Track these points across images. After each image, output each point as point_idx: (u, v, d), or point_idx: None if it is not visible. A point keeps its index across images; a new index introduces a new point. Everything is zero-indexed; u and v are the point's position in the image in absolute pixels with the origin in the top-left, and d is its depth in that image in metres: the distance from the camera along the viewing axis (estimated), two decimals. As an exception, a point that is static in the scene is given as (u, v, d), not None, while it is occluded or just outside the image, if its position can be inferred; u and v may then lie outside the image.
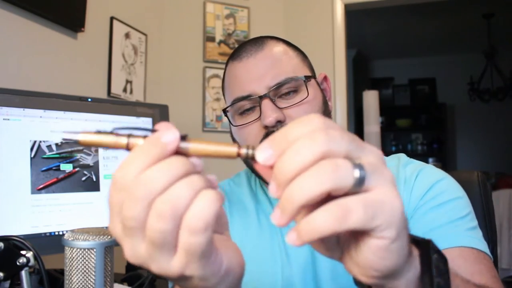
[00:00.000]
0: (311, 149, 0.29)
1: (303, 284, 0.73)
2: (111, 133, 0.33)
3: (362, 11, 3.46)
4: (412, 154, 0.87)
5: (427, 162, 0.80)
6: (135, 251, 0.33)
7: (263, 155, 0.31)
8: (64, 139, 0.32)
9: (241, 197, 0.84)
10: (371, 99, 2.74)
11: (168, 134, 0.32)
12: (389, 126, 5.55)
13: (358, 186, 0.30)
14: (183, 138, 0.33)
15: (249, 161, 0.75)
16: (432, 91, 5.66)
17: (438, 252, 0.36)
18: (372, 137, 2.67)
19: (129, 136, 0.33)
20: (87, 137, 0.32)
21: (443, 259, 0.36)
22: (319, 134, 0.30)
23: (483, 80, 4.65)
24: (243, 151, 0.33)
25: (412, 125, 5.65)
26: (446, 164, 5.35)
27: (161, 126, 0.32)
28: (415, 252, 0.36)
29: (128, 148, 0.33)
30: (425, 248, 0.36)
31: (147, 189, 0.30)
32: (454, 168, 5.42)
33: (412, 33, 4.80)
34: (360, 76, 5.18)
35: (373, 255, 0.32)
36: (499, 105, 5.01)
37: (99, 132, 0.33)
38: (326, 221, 0.29)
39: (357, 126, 4.69)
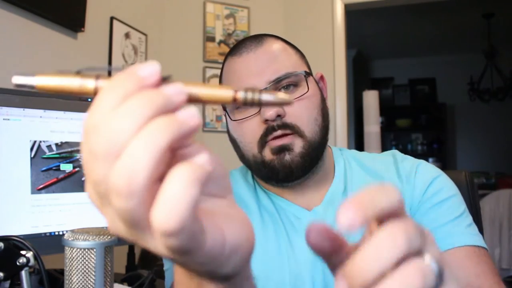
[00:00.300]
0: (393, 252, 0.25)
1: (311, 279, 0.73)
2: (77, 73, 0.26)
3: (362, 11, 3.45)
4: (412, 154, 0.88)
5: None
6: (114, 224, 0.26)
7: (344, 218, 0.24)
8: (17, 85, 0.26)
9: (240, 195, 0.82)
10: (371, 99, 2.74)
11: (145, 67, 0.25)
12: (389, 126, 5.55)
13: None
14: (165, 80, 0.26)
15: (255, 157, 0.74)
16: (432, 91, 5.66)
17: None
18: (372, 137, 2.67)
19: (97, 77, 0.26)
20: (45, 81, 0.26)
21: None
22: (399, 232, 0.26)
23: (483, 80, 4.65)
24: (241, 94, 0.27)
25: (412, 125, 5.65)
26: (446, 164, 5.35)
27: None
28: None
29: (96, 93, 0.26)
30: None
31: (105, 144, 0.23)
32: (454, 168, 5.42)
33: (412, 33, 4.80)
34: (360, 76, 5.17)
35: None
36: (499, 105, 5.01)
37: (60, 72, 0.26)
38: None
39: (357, 126, 4.68)
